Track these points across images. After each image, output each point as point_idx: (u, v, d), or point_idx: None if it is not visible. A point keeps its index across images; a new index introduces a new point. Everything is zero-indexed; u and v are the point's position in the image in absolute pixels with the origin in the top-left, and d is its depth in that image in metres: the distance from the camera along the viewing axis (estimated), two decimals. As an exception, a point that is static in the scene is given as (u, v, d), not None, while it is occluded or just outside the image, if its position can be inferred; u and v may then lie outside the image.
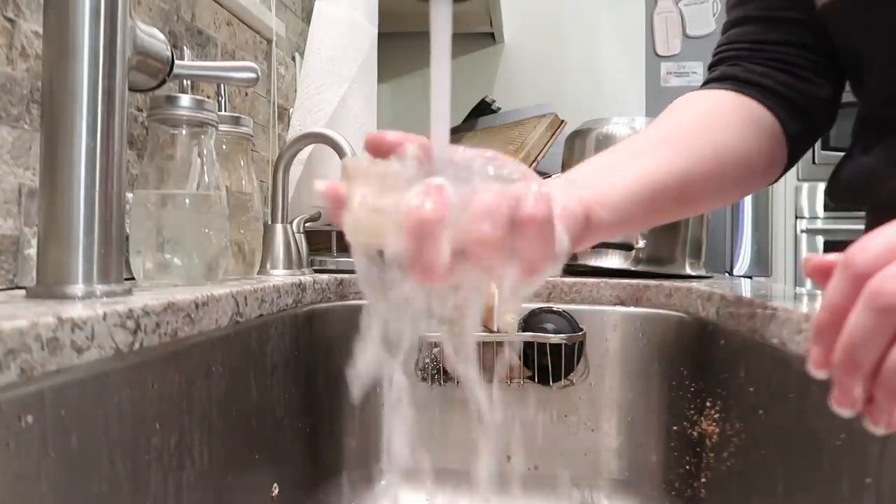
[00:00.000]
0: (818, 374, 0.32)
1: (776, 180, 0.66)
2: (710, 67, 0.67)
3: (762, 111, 0.62)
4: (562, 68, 1.88)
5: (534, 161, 1.16)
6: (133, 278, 0.64)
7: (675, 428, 0.78)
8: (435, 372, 0.85)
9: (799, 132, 0.63)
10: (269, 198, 0.91)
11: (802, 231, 2.25)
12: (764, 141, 0.61)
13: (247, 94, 1.07)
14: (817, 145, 2.15)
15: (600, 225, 0.48)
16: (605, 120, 1.02)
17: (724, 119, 0.60)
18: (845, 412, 0.31)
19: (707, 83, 0.66)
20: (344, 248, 1.04)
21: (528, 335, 0.83)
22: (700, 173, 0.56)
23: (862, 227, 0.68)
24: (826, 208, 2.23)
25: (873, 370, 0.30)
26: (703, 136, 0.58)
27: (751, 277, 2.01)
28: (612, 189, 0.50)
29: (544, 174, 1.31)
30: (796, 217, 2.26)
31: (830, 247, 2.22)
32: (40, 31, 0.61)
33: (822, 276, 0.33)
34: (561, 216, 0.40)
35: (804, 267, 0.34)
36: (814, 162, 2.20)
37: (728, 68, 0.65)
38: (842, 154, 0.68)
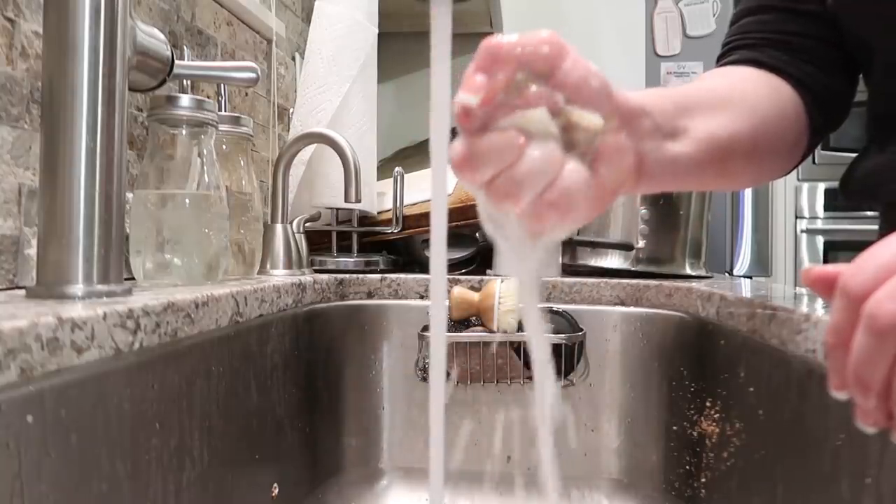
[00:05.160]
0: (839, 395, 0.33)
1: (788, 172, 0.65)
2: (725, 53, 0.65)
3: (792, 93, 0.60)
4: (562, 68, 1.88)
5: (534, 161, 1.16)
6: (133, 278, 0.64)
7: (675, 428, 0.78)
8: (435, 372, 0.85)
9: (820, 124, 0.62)
10: (269, 198, 0.91)
11: (802, 231, 2.25)
12: (794, 120, 0.60)
13: (247, 94, 1.07)
14: (817, 145, 2.15)
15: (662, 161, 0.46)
16: (605, 120, 1.02)
17: (762, 89, 0.59)
18: (869, 429, 0.32)
19: (725, 64, 0.64)
20: (344, 248, 1.05)
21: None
22: (758, 133, 0.55)
23: (865, 226, 0.68)
24: (826, 208, 2.23)
25: (885, 389, 0.31)
26: (750, 99, 0.56)
27: (751, 277, 2.01)
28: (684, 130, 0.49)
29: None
30: (796, 217, 2.26)
31: (830, 247, 2.22)
32: (40, 31, 0.61)
33: (821, 287, 0.33)
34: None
35: (803, 279, 0.35)
36: (814, 162, 2.20)
37: (749, 53, 0.63)
38: (841, 154, 0.68)
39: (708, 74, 0.61)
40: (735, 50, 0.64)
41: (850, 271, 0.32)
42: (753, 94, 0.57)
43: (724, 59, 0.65)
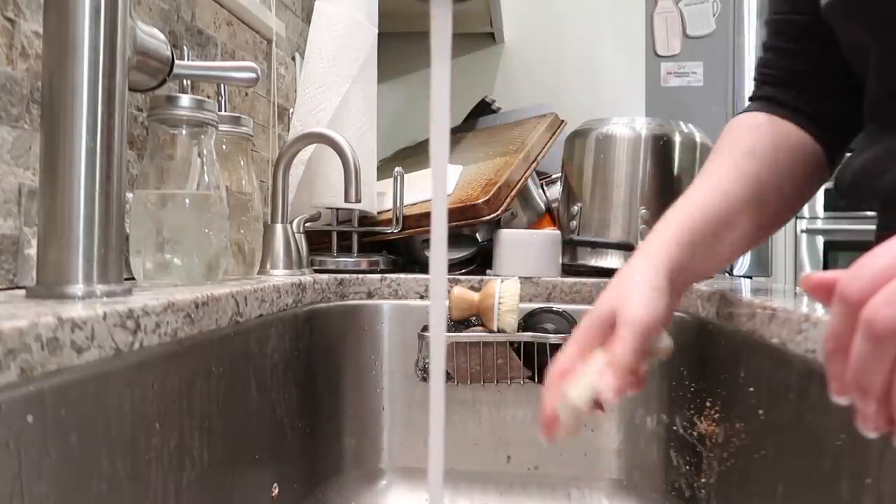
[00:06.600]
0: (840, 400, 0.33)
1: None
2: (756, 86, 0.74)
3: (803, 137, 0.68)
4: (562, 68, 1.87)
5: (534, 161, 1.16)
6: (133, 278, 0.64)
7: (675, 428, 0.78)
8: (435, 372, 0.85)
9: (835, 147, 0.70)
10: (269, 198, 0.91)
11: (802, 231, 2.25)
12: (802, 170, 0.69)
13: (247, 94, 1.07)
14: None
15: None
16: (605, 120, 1.02)
17: (773, 164, 0.67)
18: (871, 434, 0.32)
19: (756, 99, 0.73)
20: (344, 248, 1.05)
21: (528, 335, 0.82)
22: (769, 219, 0.67)
23: (865, 226, 0.70)
24: (826, 208, 2.23)
25: (885, 394, 0.31)
26: (763, 192, 0.65)
27: (751, 277, 2.01)
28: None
29: (544, 174, 1.31)
30: (796, 217, 2.26)
31: (830, 247, 2.22)
32: (40, 31, 0.61)
33: (820, 293, 0.34)
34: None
35: (802, 285, 0.35)
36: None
37: (770, 89, 0.71)
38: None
39: (724, 157, 0.68)
40: (761, 85, 0.73)
41: (848, 277, 0.32)
42: (766, 182, 0.65)
43: (754, 93, 0.74)
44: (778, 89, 0.71)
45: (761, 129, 0.69)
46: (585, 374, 0.48)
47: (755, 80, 0.75)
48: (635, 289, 0.52)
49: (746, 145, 0.67)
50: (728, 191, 0.63)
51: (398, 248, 1.14)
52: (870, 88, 0.64)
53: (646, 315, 0.50)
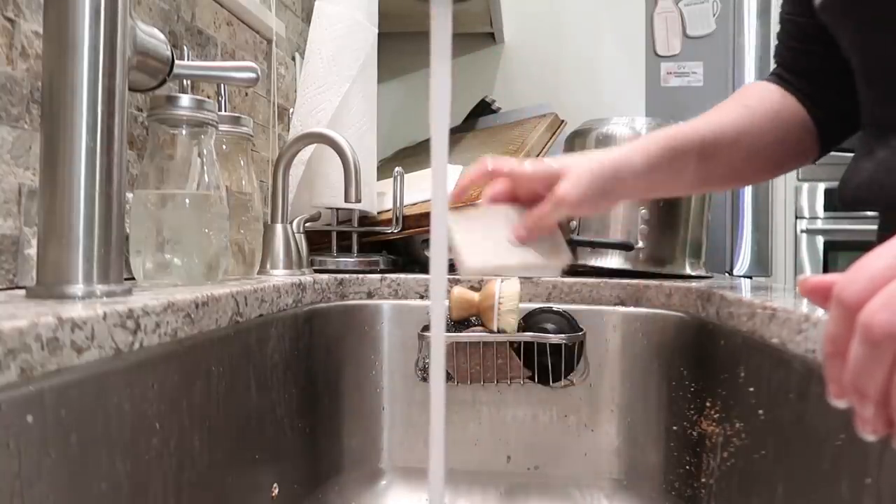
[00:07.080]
0: (838, 403, 0.33)
1: (790, 170, 0.79)
2: (774, 67, 0.79)
3: (800, 111, 0.73)
4: (562, 68, 1.87)
5: (534, 161, 1.16)
6: (133, 278, 0.64)
7: (675, 428, 0.78)
8: (435, 372, 0.85)
9: (832, 134, 0.74)
10: (269, 198, 0.91)
11: (802, 231, 2.25)
12: (795, 134, 0.74)
13: (247, 94, 1.07)
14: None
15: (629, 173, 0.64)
16: (605, 120, 1.02)
17: (769, 114, 0.72)
18: (870, 437, 0.32)
19: (772, 74, 0.78)
20: (344, 248, 1.05)
21: (528, 335, 0.82)
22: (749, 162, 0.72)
23: (865, 226, 0.71)
24: (826, 208, 2.23)
25: (883, 397, 0.31)
26: (753, 131, 0.71)
27: (751, 277, 2.01)
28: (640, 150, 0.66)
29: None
30: (796, 217, 2.26)
31: (830, 247, 2.22)
32: (40, 31, 0.61)
33: (818, 297, 0.34)
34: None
35: (799, 289, 0.35)
36: (813, 162, 2.19)
37: (781, 70, 0.76)
38: (841, 155, 0.72)
39: (728, 103, 0.74)
40: (776, 66, 0.78)
41: (844, 280, 0.32)
42: (758, 130, 0.71)
43: (771, 71, 0.78)
44: (790, 74, 0.75)
45: (772, 93, 0.74)
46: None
47: (774, 61, 0.80)
48: (580, 172, 0.61)
49: (748, 98, 0.73)
50: (717, 130, 0.69)
51: (398, 248, 1.14)
52: (864, 97, 0.65)
53: (569, 195, 0.60)
